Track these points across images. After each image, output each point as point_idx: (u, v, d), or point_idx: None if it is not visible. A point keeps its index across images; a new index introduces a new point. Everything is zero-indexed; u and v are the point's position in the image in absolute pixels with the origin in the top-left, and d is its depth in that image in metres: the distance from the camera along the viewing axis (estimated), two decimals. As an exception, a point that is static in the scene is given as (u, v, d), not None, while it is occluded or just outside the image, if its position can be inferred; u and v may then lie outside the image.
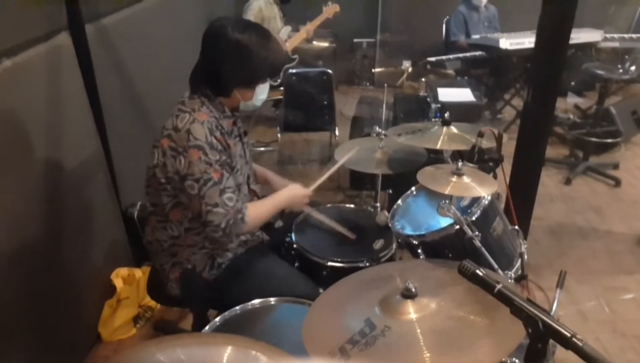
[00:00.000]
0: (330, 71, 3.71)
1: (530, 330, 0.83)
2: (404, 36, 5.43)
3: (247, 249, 1.73)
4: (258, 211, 1.59)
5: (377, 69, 5.72)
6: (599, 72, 3.79)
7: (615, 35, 4.27)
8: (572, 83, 5.06)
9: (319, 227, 1.92)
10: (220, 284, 1.66)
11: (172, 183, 1.53)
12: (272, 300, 1.49)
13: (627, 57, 4.39)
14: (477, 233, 1.50)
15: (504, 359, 1.20)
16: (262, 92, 1.64)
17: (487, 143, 1.72)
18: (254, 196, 1.77)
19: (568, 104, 4.82)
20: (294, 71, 3.68)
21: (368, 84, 5.77)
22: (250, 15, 3.79)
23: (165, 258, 1.67)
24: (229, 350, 0.82)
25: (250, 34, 1.52)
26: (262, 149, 4.12)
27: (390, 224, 1.76)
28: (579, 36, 3.93)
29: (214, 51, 1.54)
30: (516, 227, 1.76)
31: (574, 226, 3.14)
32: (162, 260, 1.68)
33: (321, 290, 1.65)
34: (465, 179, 1.54)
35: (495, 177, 1.69)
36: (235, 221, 1.49)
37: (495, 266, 1.50)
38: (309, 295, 1.55)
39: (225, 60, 1.52)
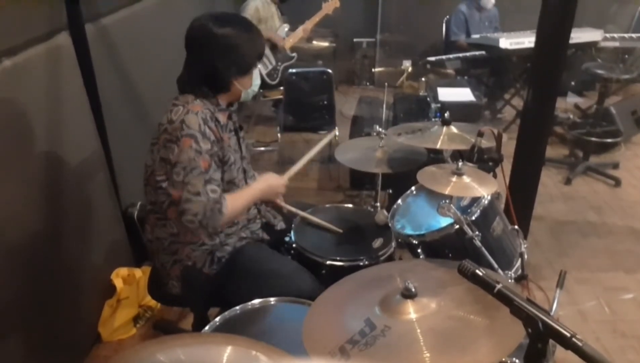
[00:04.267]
0: (330, 71, 3.71)
1: (530, 330, 0.83)
2: (404, 36, 5.43)
3: (246, 243, 1.73)
4: (236, 202, 1.58)
5: (377, 69, 5.72)
6: (599, 72, 3.79)
7: (616, 35, 4.27)
8: (572, 83, 5.06)
9: (317, 227, 1.92)
10: (221, 279, 1.67)
11: (166, 175, 1.53)
12: (272, 300, 1.49)
13: (627, 56, 4.39)
14: (477, 232, 1.50)
15: (504, 359, 1.20)
16: (256, 77, 1.68)
17: (487, 143, 1.72)
18: None
19: (568, 104, 4.82)
20: (294, 70, 3.68)
21: (368, 84, 5.76)
22: (247, 15, 3.78)
23: (166, 257, 1.67)
24: (229, 350, 0.82)
25: (232, 25, 1.55)
26: (262, 149, 4.12)
27: (390, 224, 1.76)
28: (579, 36, 3.93)
29: (204, 51, 1.55)
30: (516, 227, 1.76)
31: (574, 226, 3.14)
32: (162, 258, 1.68)
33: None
34: (465, 179, 1.54)
35: (495, 177, 1.69)
36: (213, 212, 1.47)
37: (495, 266, 1.50)
38: (309, 288, 1.55)
39: (218, 56, 1.54)
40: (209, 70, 1.55)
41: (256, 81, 1.68)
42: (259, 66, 1.69)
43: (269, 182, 1.73)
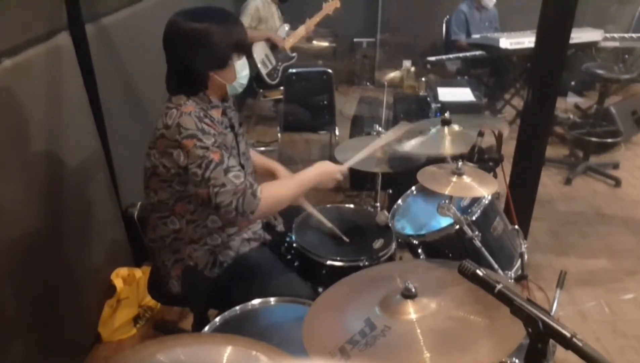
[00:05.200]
0: (330, 71, 3.70)
1: (530, 330, 0.83)
2: (404, 36, 5.43)
3: (249, 249, 1.73)
4: (275, 190, 1.56)
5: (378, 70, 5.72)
6: (599, 72, 3.79)
7: (616, 35, 4.27)
8: (572, 83, 5.06)
9: (318, 227, 1.92)
10: (222, 283, 1.67)
11: (178, 178, 1.53)
12: (272, 300, 1.49)
13: (627, 56, 4.39)
14: (477, 233, 1.50)
15: (504, 359, 1.20)
16: (242, 69, 1.62)
17: (487, 143, 1.72)
18: None
19: (568, 104, 4.83)
20: (294, 70, 3.68)
21: (368, 84, 5.77)
22: (248, 15, 3.79)
23: (168, 255, 1.67)
24: (229, 350, 0.82)
25: (203, 18, 1.51)
26: (262, 149, 4.12)
27: (390, 224, 1.76)
28: (579, 36, 3.93)
29: (175, 48, 1.53)
30: (516, 227, 1.76)
31: (574, 226, 3.14)
32: (164, 257, 1.68)
33: (320, 290, 1.65)
34: (466, 179, 1.54)
35: (495, 177, 1.70)
36: (246, 197, 1.46)
37: (496, 266, 1.50)
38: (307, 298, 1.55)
39: (188, 51, 1.51)
40: (184, 66, 1.53)
41: (243, 73, 1.62)
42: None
43: (323, 169, 1.69)
